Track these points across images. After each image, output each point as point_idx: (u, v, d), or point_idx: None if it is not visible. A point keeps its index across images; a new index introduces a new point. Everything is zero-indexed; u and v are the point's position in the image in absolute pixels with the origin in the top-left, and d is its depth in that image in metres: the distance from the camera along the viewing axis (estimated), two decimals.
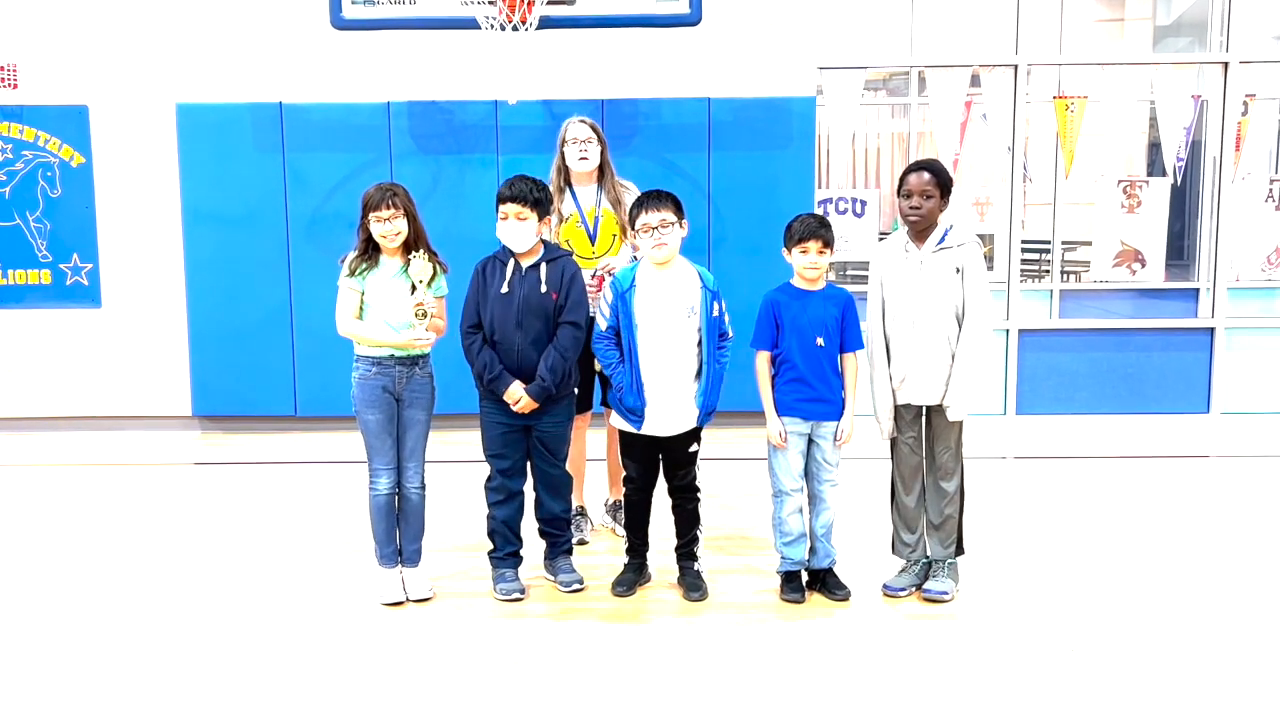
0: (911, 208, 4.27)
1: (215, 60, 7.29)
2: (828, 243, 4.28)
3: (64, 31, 7.30)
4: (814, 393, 4.32)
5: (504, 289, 4.34)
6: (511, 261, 4.36)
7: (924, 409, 4.40)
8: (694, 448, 4.42)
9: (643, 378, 4.32)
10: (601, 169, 5.02)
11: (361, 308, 4.34)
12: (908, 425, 4.43)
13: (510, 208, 4.30)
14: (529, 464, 4.50)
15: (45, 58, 7.33)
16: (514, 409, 4.33)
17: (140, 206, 7.41)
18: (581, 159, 4.94)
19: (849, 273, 11.90)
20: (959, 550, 4.49)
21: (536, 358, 4.34)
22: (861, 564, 4.67)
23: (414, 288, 4.27)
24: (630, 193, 5.05)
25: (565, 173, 4.99)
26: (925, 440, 4.44)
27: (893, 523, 4.57)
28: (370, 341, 4.33)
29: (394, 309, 4.30)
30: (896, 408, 4.41)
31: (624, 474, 4.56)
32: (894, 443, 4.49)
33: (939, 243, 4.27)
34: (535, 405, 4.34)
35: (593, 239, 4.96)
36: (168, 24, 7.29)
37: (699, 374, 4.35)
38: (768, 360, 4.40)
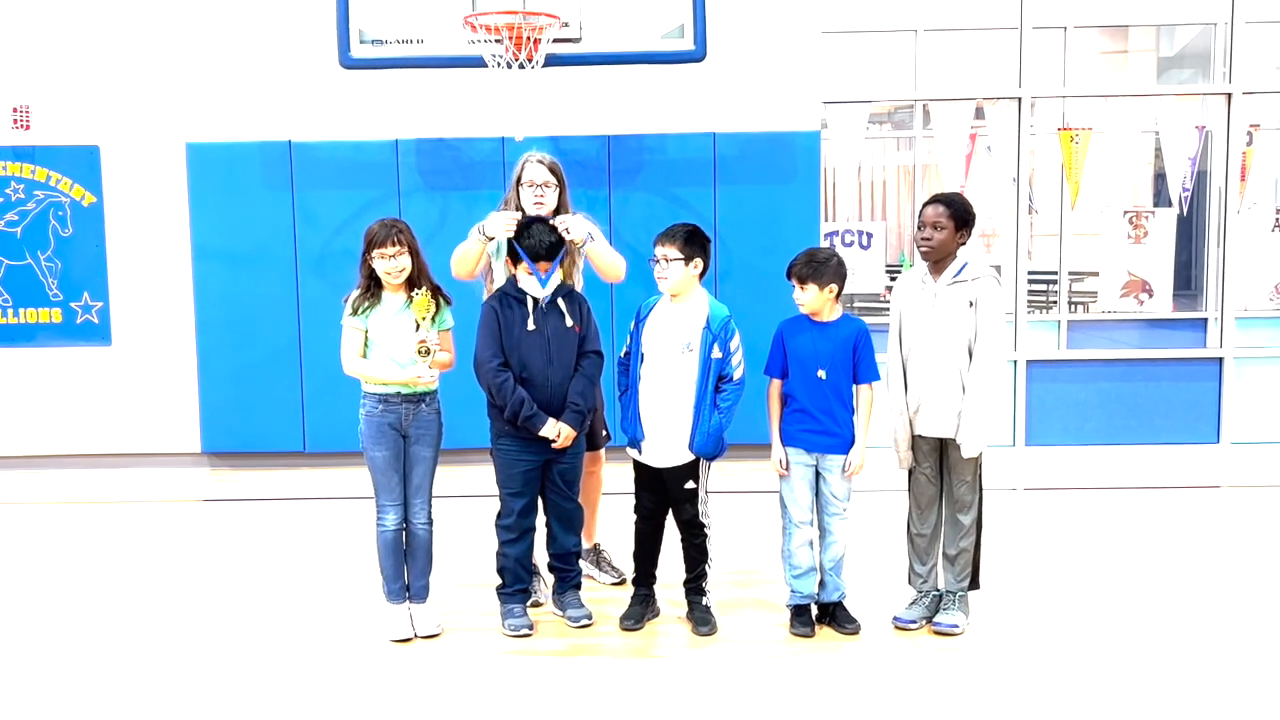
0: (923, 239, 4.30)
1: (225, 100, 7.37)
2: (807, 279, 4.28)
3: (75, 73, 7.39)
4: (817, 425, 4.32)
5: (530, 326, 4.34)
6: (529, 299, 4.37)
7: (942, 441, 4.39)
8: (689, 485, 4.41)
9: (639, 407, 4.36)
10: (558, 210, 4.64)
11: (366, 345, 4.35)
12: (925, 456, 4.42)
13: (543, 265, 4.31)
14: (541, 500, 4.50)
15: (57, 99, 7.41)
16: (556, 444, 4.33)
17: (150, 245, 7.46)
18: (537, 204, 4.56)
19: (856, 304, 11.93)
20: (974, 584, 4.47)
21: (566, 392, 4.37)
22: (874, 596, 4.65)
23: (417, 325, 4.29)
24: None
25: (520, 212, 4.54)
26: (942, 472, 4.44)
27: (906, 553, 4.56)
28: (376, 380, 4.34)
29: (399, 346, 4.31)
30: (914, 438, 4.41)
31: (635, 503, 4.56)
32: (911, 473, 4.47)
33: (955, 276, 4.29)
34: (575, 435, 4.36)
35: (543, 281, 4.50)
36: (178, 65, 7.37)
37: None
38: (778, 388, 4.41)
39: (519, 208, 4.59)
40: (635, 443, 4.41)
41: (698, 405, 4.31)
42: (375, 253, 4.27)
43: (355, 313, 4.34)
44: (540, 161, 4.64)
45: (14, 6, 7.36)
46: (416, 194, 7.31)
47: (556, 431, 4.32)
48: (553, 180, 4.63)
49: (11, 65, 7.38)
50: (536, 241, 4.30)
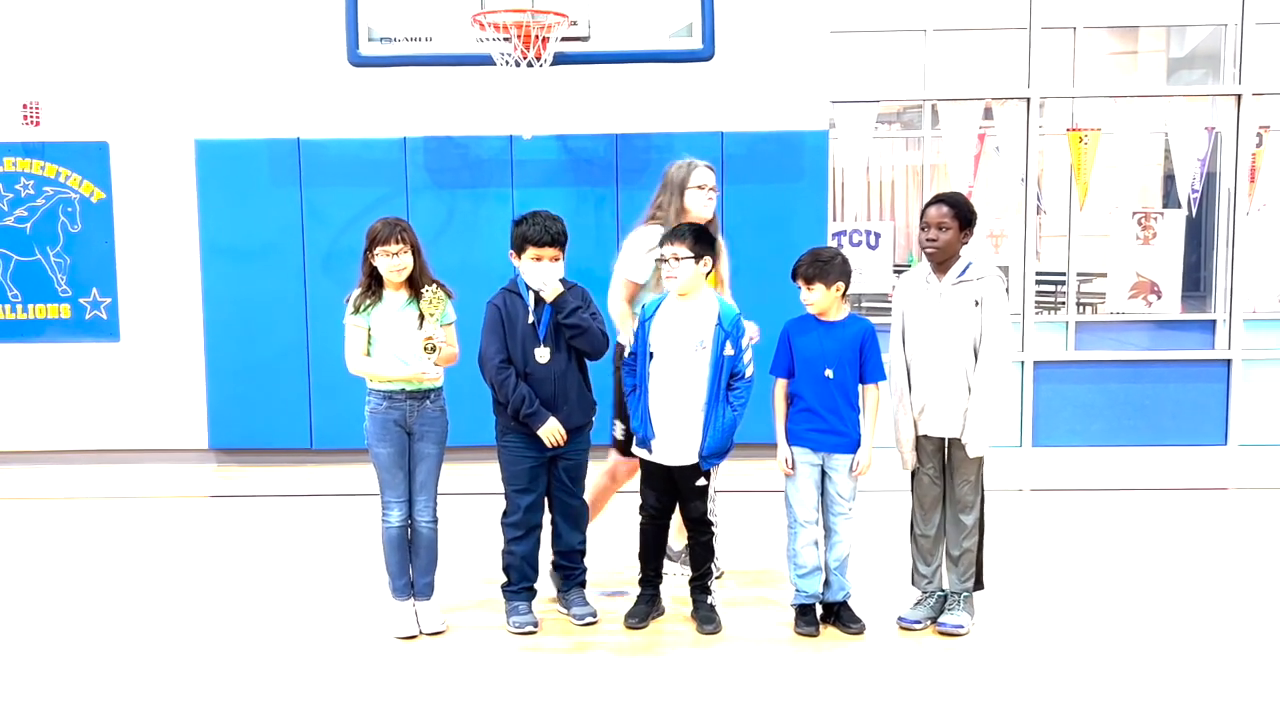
0: (928, 239, 4.30)
1: (233, 97, 7.39)
2: (814, 279, 4.27)
3: (85, 69, 7.41)
4: (824, 424, 4.32)
5: (531, 320, 4.34)
6: (531, 295, 4.37)
7: (945, 441, 4.39)
8: (700, 481, 4.41)
9: (649, 406, 4.35)
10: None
11: (370, 343, 4.36)
12: (928, 457, 4.42)
13: (547, 250, 4.28)
14: (546, 497, 4.50)
15: (67, 95, 7.44)
16: (548, 442, 4.32)
17: (159, 241, 7.48)
18: (708, 204, 4.74)
19: (864, 304, 11.92)
20: (978, 584, 4.47)
21: (570, 389, 4.37)
22: (878, 596, 4.65)
23: (422, 320, 4.28)
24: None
25: (681, 215, 4.69)
26: (945, 472, 4.43)
27: (911, 554, 4.55)
28: (381, 378, 4.35)
29: (402, 343, 4.31)
30: (917, 438, 4.40)
31: (641, 502, 4.56)
32: (914, 474, 4.47)
33: (959, 275, 4.28)
34: (565, 438, 4.33)
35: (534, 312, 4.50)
36: (187, 61, 7.39)
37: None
38: (784, 387, 4.41)
39: (681, 210, 4.69)
40: (645, 442, 4.40)
41: (709, 403, 4.30)
42: (378, 250, 4.28)
43: (357, 311, 4.34)
44: (709, 167, 4.78)
45: (24, 3, 7.38)
46: (424, 192, 7.32)
47: (551, 432, 4.31)
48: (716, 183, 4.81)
49: (21, 61, 7.41)
50: (542, 228, 4.28)
